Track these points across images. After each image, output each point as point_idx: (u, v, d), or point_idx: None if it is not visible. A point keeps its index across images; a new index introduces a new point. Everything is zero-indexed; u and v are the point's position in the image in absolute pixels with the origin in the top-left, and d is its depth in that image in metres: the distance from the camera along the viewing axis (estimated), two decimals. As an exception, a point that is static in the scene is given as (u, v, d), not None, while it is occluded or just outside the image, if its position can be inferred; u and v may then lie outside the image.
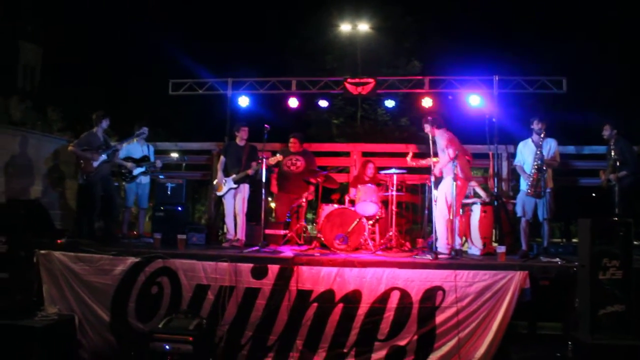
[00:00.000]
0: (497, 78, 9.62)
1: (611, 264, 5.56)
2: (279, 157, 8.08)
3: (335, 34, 22.13)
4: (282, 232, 8.20)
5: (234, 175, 8.14)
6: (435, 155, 7.36)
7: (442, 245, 7.12)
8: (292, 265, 6.30)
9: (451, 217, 7.07)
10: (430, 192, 7.45)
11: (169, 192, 8.43)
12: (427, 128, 7.40)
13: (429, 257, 6.67)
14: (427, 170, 7.57)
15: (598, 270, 5.54)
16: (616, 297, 5.48)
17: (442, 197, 7.26)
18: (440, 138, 7.39)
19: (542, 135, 7.37)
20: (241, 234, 7.95)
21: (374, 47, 21.52)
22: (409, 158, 7.96)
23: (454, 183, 6.99)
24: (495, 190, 8.83)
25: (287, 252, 7.05)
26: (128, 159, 8.82)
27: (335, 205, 7.87)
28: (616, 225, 5.75)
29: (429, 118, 7.44)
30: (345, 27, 21.95)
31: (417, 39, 21.79)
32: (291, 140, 8.88)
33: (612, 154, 7.69)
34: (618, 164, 7.59)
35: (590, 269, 5.55)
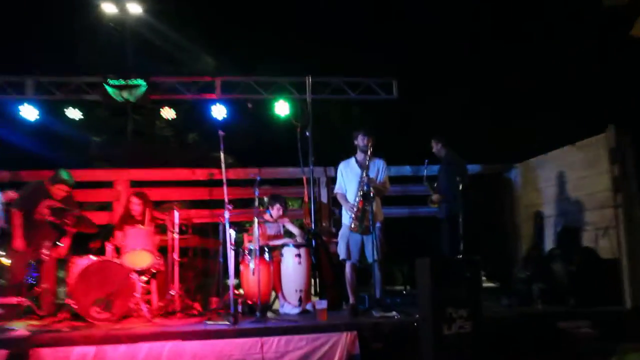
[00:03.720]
0: (310, 79, 9.83)
1: (458, 314, 5.79)
2: (10, 193, 7.38)
3: (96, 15, 21.22)
4: (17, 300, 7.46)
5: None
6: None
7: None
8: (27, 349, 5.95)
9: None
10: (226, 233, 7.29)
11: None
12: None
13: (226, 322, 6.55)
14: (220, 204, 7.54)
15: (442, 323, 5.76)
16: (465, 356, 5.68)
17: None
18: None
19: (368, 154, 7.59)
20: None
21: (149, 37, 21.00)
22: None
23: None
24: (313, 226, 8.93)
25: (21, 329, 6.50)
26: None
27: (93, 258, 7.42)
28: (460, 265, 6.05)
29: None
30: (108, 7, 21.15)
31: (208, 26, 21.70)
32: None
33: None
34: (436, 184, 8.62)
35: (433, 323, 5.72)
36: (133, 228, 7.81)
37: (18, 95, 9.67)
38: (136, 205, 8.31)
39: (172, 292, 7.66)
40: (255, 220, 7.24)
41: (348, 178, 7.76)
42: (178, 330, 6.35)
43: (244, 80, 10.16)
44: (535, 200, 9.64)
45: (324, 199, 9.60)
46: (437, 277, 5.92)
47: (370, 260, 7.44)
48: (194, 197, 9.79)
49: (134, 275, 7.47)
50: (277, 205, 8.44)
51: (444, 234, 8.48)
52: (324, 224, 9.46)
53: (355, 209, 7.47)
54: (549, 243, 9.07)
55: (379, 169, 7.72)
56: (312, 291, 8.19)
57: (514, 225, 10.18)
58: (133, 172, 9.91)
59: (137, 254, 7.64)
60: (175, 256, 7.77)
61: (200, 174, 9.81)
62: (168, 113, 10.40)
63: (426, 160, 8.65)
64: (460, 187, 7.98)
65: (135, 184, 9.56)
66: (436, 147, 8.76)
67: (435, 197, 8.67)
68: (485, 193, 10.64)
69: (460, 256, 7.36)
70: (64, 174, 7.91)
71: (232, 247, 7.33)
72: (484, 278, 8.95)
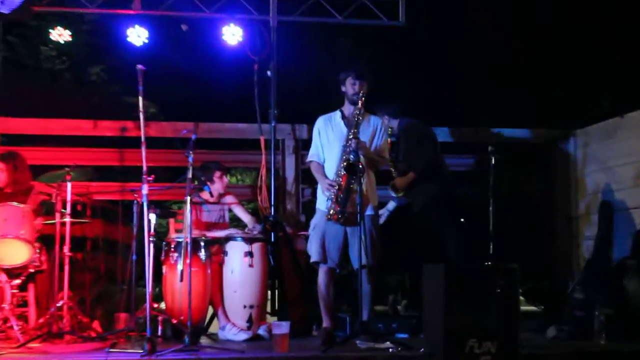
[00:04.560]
0: (276, -5, 9.74)
1: (483, 350, 5.79)
2: None
3: None
4: None
5: None
6: None
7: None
8: None
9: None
10: (141, 218, 7.20)
11: None
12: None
13: (138, 351, 6.48)
14: (136, 175, 7.49)
15: (459, 362, 5.77)
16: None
17: None
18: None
19: (359, 107, 7.54)
20: None
21: None
22: None
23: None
24: (273, 212, 8.90)
25: None
26: None
27: None
28: (489, 277, 6.03)
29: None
30: None
31: None
32: None
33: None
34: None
35: (446, 363, 5.74)
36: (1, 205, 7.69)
37: None
38: (1, 172, 8.18)
39: (59, 304, 7.49)
40: (188, 200, 7.15)
41: (328, 141, 7.70)
42: (65, 361, 6.24)
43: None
44: (602, 185, 9.65)
45: (290, 172, 9.61)
46: (453, 294, 5.95)
47: (355, 265, 7.37)
48: (96, 162, 9.77)
49: (1, 278, 7.40)
50: (217, 174, 8.41)
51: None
52: (288, 209, 9.47)
53: (336, 188, 7.41)
54: (620, 249, 9.07)
55: (375, 130, 7.70)
56: (268, 308, 8.19)
57: (569, 220, 10.21)
58: (1, 121, 9.79)
59: (6, 245, 7.54)
60: (66, 250, 7.59)
61: (107, 127, 9.76)
62: (60, 35, 10.20)
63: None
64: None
65: (5, 139, 9.49)
66: (386, 121, 8.66)
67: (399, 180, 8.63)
68: (527, 171, 10.66)
69: (488, 263, 7.36)
70: None
71: (152, 239, 7.29)
72: (521, 298, 8.97)
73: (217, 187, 8.42)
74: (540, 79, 14.11)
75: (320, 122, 7.84)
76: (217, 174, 8.42)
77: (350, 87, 7.60)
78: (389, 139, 8.21)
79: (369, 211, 7.45)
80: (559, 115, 12.07)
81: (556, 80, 13.98)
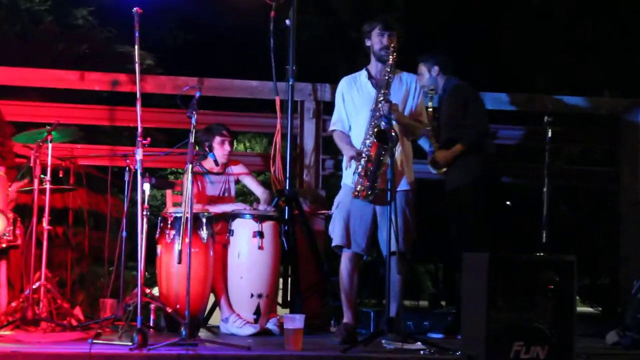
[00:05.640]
0: None
1: (531, 355, 5.81)
2: None
3: None
4: None
5: None
6: None
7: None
8: None
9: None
10: (134, 188, 7.22)
11: None
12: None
13: (126, 344, 6.50)
14: (128, 137, 7.42)
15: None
16: None
17: None
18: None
19: (390, 64, 7.50)
20: None
21: None
22: None
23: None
24: (287, 186, 8.91)
25: None
26: None
27: None
28: (543, 268, 6.01)
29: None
30: None
31: None
32: None
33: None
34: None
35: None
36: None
37: None
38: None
39: (35, 286, 7.52)
40: (189, 168, 7.09)
41: (354, 106, 7.70)
42: (40, 352, 6.30)
43: None
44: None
45: (310, 139, 9.60)
46: (498, 289, 5.92)
47: (385, 251, 7.38)
48: (83, 120, 9.67)
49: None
50: (217, 140, 8.41)
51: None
52: (306, 182, 9.48)
53: (364, 160, 7.40)
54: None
55: (408, 90, 7.69)
56: (279, 299, 8.23)
57: (637, 205, 10.13)
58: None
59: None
60: (44, 223, 7.65)
61: (96, 80, 9.74)
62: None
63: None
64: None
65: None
66: (429, 74, 8.67)
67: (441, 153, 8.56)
68: (589, 147, 10.62)
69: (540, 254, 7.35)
70: None
71: (145, 214, 7.31)
72: (577, 297, 8.94)
73: (217, 155, 8.39)
74: (604, 40, 14.09)
75: (343, 84, 7.81)
76: (217, 139, 8.39)
77: (377, 40, 7.57)
78: (430, 104, 8.19)
79: (402, 186, 7.44)
80: (627, 81, 11.97)
81: (622, 41, 13.93)
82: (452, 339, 7.70)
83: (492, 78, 11.60)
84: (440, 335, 8.11)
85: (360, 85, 7.70)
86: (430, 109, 8.31)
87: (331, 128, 7.87)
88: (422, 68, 8.67)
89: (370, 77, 7.66)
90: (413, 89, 7.69)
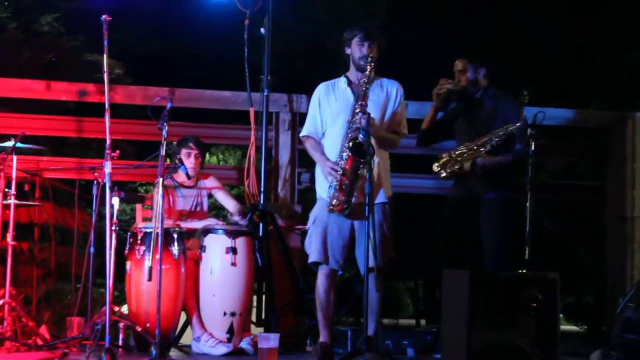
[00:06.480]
0: None
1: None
2: None
3: None
4: None
5: None
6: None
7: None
8: None
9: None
10: (102, 202, 7.18)
11: None
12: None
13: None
14: (96, 149, 7.40)
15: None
16: None
17: None
18: None
19: (369, 72, 7.46)
20: None
21: None
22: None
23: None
24: (262, 200, 8.85)
25: None
26: None
27: None
28: (525, 287, 6.00)
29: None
30: None
31: None
32: None
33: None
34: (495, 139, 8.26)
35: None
36: None
37: None
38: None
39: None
40: (159, 182, 7.08)
41: (331, 113, 7.63)
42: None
43: None
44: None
45: (285, 152, 9.57)
46: (479, 307, 5.95)
47: (362, 268, 7.29)
48: (49, 131, 9.69)
49: None
50: (184, 152, 8.37)
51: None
52: (281, 197, 9.45)
53: (339, 173, 7.34)
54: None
55: (389, 96, 7.64)
56: (253, 317, 8.21)
57: (622, 220, 10.11)
58: None
59: None
60: (9, 238, 7.64)
61: (62, 90, 9.67)
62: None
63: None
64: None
65: None
66: (473, 75, 8.58)
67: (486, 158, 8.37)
68: (573, 161, 10.64)
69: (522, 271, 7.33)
70: None
71: (115, 228, 7.29)
72: (560, 315, 8.96)
73: (190, 162, 8.32)
74: (592, 52, 14.18)
75: (321, 89, 7.75)
76: (183, 152, 8.34)
77: (357, 49, 7.52)
78: None
79: (379, 199, 7.38)
80: (614, 94, 12.01)
81: (611, 54, 14.01)
82: (430, 358, 7.70)
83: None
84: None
85: (338, 92, 7.66)
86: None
87: (303, 133, 7.79)
88: (469, 68, 8.54)
89: (349, 83, 7.62)
90: (394, 96, 7.63)
